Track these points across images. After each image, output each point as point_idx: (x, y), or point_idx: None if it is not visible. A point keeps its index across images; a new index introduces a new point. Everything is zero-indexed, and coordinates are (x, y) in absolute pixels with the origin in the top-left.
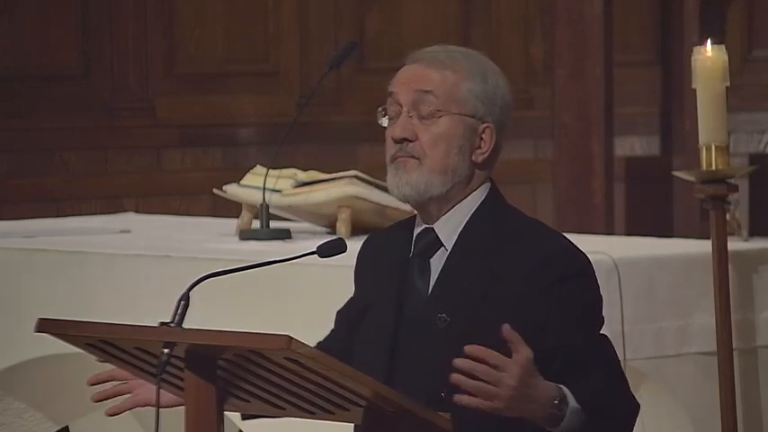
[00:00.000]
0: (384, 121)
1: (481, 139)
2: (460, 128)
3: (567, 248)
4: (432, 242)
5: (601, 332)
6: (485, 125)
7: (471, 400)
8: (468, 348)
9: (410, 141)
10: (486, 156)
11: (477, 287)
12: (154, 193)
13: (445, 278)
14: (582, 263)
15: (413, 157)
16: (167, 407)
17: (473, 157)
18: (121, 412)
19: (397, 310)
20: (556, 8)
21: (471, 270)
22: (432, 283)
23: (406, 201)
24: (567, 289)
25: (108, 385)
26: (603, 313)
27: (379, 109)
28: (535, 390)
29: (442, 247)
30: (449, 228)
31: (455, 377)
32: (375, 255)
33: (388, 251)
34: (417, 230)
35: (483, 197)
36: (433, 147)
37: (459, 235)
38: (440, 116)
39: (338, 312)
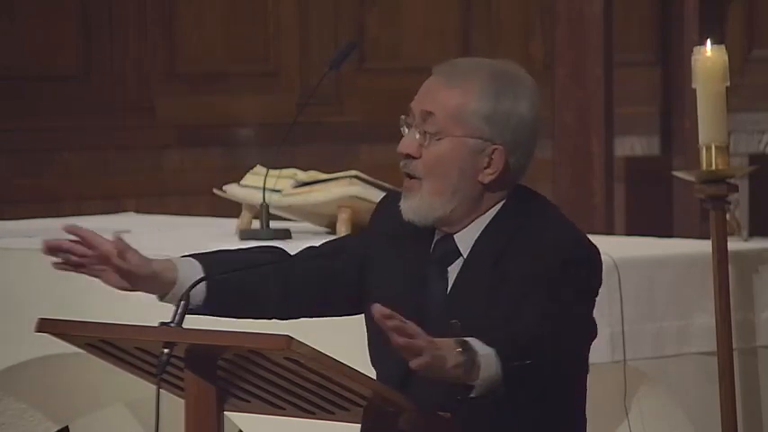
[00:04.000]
0: (404, 131)
1: (490, 159)
2: (463, 150)
3: (565, 240)
4: (451, 251)
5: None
6: (493, 147)
7: (399, 339)
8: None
9: (414, 158)
10: (494, 176)
11: (487, 293)
12: (154, 193)
13: (460, 286)
14: (580, 253)
15: (415, 177)
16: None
17: (479, 178)
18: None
19: (417, 314)
20: (556, 8)
21: (483, 277)
22: (448, 289)
23: (413, 223)
24: (562, 276)
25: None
26: (603, 313)
27: (402, 117)
28: (442, 347)
29: (461, 256)
30: (468, 237)
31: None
32: (395, 230)
33: (408, 243)
34: (438, 236)
35: (500, 207)
36: (431, 168)
37: (474, 243)
38: (439, 138)
39: (348, 240)
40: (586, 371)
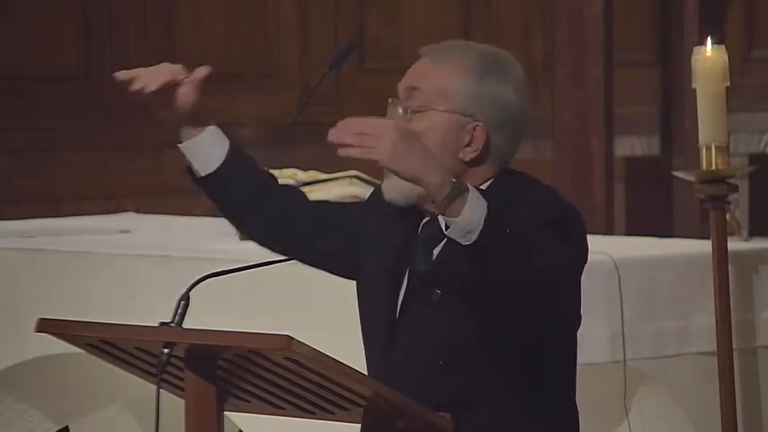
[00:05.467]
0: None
1: (471, 136)
2: (445, 125)
3: (547, 201)
4: (437, 233)
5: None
6: (474, 123)
7: (353, 151)
8: (339, 124)
9: None
10: (475, 154)
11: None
12: (154, 193)
13: (441, 257)
14: (563, 213)
15: None
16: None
17: (461, 155)
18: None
19: (396, 289)
20: (556, 8)
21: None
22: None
23: (395, 203)
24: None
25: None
26: (603, 313)
27: (390, 99)
28: (422, 148)
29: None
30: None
31: (333, 134)
32: (384, 218)
33: (399, 221)
34: (425, 219)
35: (486, 187)
36: None
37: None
38: (423, 111)
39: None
40: (574, 360)
